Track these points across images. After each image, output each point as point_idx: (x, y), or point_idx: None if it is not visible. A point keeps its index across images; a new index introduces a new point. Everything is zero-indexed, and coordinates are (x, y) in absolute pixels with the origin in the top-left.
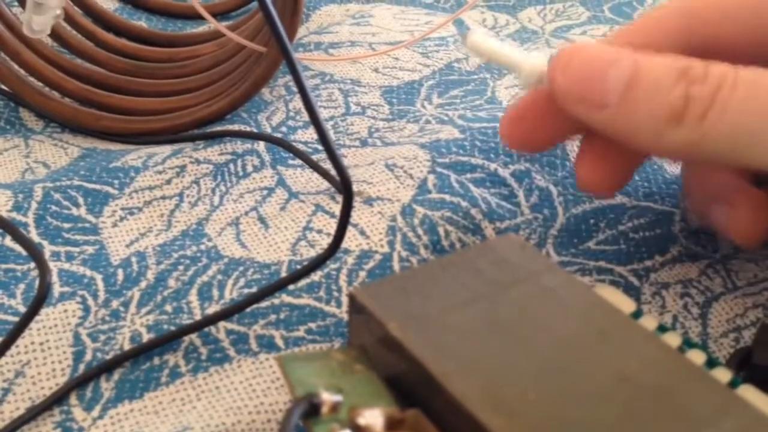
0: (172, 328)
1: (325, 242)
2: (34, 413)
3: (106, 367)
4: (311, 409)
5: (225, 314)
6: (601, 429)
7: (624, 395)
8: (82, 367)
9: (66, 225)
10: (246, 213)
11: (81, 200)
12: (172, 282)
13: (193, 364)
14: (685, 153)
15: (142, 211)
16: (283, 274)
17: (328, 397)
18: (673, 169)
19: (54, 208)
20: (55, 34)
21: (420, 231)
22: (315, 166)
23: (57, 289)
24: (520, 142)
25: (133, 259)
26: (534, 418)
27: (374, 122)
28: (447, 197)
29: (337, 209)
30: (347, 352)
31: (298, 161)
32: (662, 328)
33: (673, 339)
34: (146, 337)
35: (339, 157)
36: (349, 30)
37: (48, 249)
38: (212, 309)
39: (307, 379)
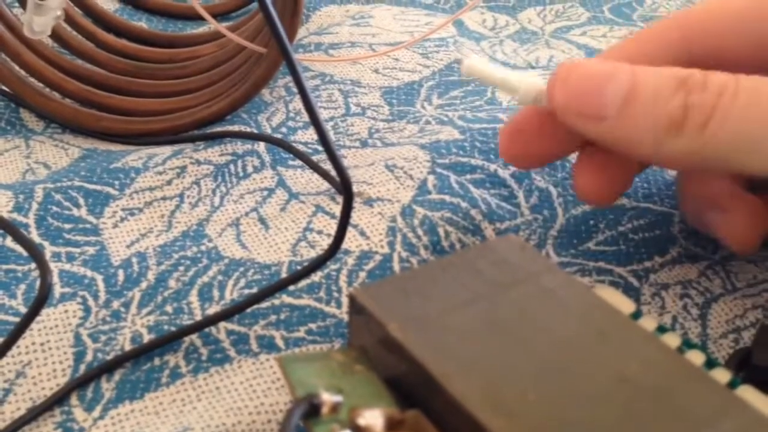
0: (173, 328)
1: (325, 243)
2: (34, 413)
3: (107, 368)
4: (311, 409)
5: (225, 315)
6: (600, 429)
7: (623, 396)
8: (82, 368)
9: (67, 226)
10: (246, 214)
11: (82, 201)
12: (172, 282)
13: (193, 365)
14: (686, 161)
15: (143, 212)
16: (284, 275)
17: (328, 398)
18: (673, 171)
19: (55, 208)
20: (55, 35)
21: (420, 232)
22: (315, 167)
23: (58, 289)
24: (519, 157)
25: (134, 260)
26: (534, 419)
27: (374, 123)
28: (447, 198)
29: (337, 210)
30: (347, 352)
31: (298, 162)
32: (662, 329)
33: (672, 340)
34: (147, 337)
35: (339, 157)
36: (349, 31)
37: (49, 250)
38: (213, 309)
39: (307, 380)
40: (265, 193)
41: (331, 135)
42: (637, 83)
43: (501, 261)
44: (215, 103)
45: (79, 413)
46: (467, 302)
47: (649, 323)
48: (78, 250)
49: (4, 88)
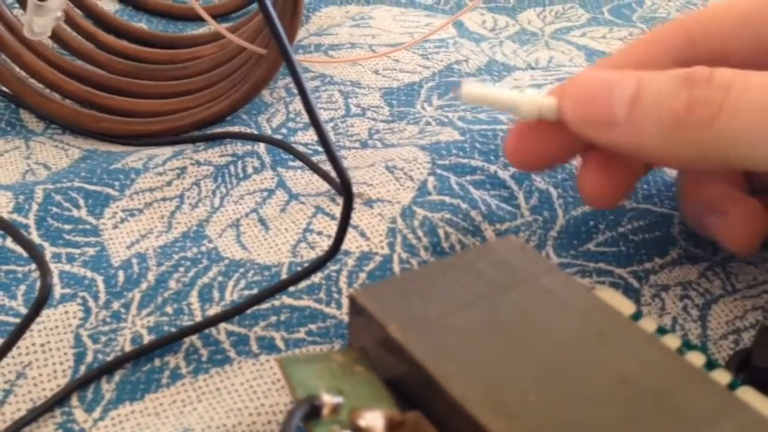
0: (173, 329)
1: (325, 244)
2: (35, 414)
3: (107, 369)
4: (312, 411)
5: (225, 316)
6: (600, 430)
7: (624, 397)
8: (83, 369)
9: (67, 226)
10: (246, 214)
11: (82, 202)
12: (172, 283)
13: (193, 366)
14: (696, 159)
15: (143, 213)
16: (284, 276)
17: (328, 399)
18: (673, 171)
19: (55, 209)
20: (55, 36)
21: (420, 233)
22: (315, 168)
23: (58, 290)
24: (525, 160)
25: (134, 261)
26: (534, 420)
27: (374, 124)
28: (447, 199)
29: (337, 211)
30: (347, 353)
31: (298, 163)
32: (662, 330)
33: (672, 341)
34: (147, 338)
35: (339, 158)
36: (349, 32)
37: (49, 250)
38: (213, 310)
39: (307, 381)
40: (265, 194)
41: (331, 136)
42: (642, 86)
43: (501, 262)
44: (215, 104)
45: (79, 414)
46: (467, 303)
47: (649, 324)
48: (78, 250)
49: (4, 89)
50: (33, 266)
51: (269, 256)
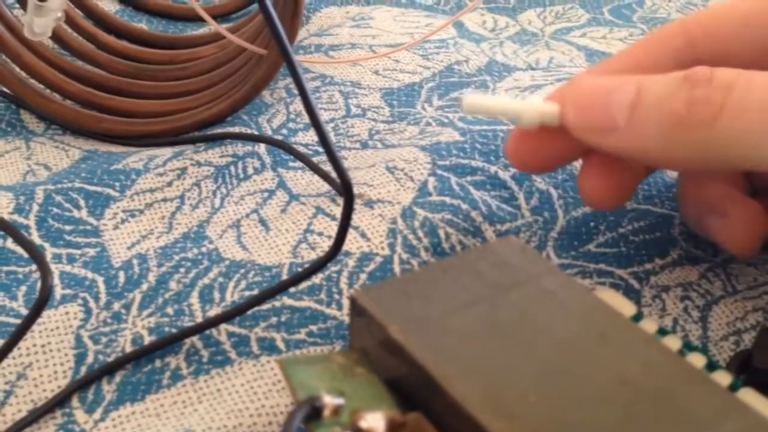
0: (174, 330)
1: (325, 245)
2: (36, 415)
3: (108, 370)
4: (313, 412)
5: (226, 317)
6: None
7: (624, 398)
8: (83, 370)
9: (67, 227)
10: (247, 215)
11: (82, 202)
12: (173, 284)
13: (194, 367)
14: (699, 161)
15: (144, 214)
16: (284, 277)
17: (329, 401)
18: (673, 172)
19: (55, 210)
20: (56, 37)
21: (420, 233)
22: (315, 169)
23: (58, 291)
24: (527, 162)
25: (135, 262)
26: (534, 421)
27: (374, 124)
28: (447, 200)
29: (337, 211)
30: (348, 355)
31: (298, 163)
32: (662, 331)
33: (673, 342)
34: (148, 339)
35: (339, 159)
36: (350, 32)
37: (49, 251)
38: (213, 311)
39: (308, 383)
40: (266, 194)
41: (332, 136)
42: (642, 89)
43: (501, 263)
44: (216, 104)
45: (80, 415)
46: (468, 304)
47: (649, 326)
48: (79, 251)
49: (4, 89)
50: (34, 267)
51: (270, 257)
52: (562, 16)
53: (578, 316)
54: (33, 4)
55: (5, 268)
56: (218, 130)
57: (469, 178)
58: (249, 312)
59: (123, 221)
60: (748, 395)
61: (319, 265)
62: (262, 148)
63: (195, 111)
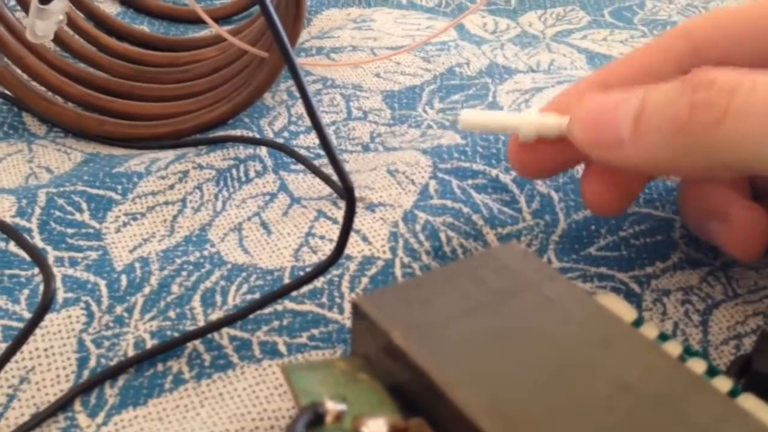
0: (176, 334)
1: (327, 248)
2: (38, 419)
3: (110, 374)
4: (316, 418)
5: (228, 320)
6: None
7: (625, 404)
8: (86, 373)
9: (69, 230)
10: (248, 218)
11: (84, 205)
12: (175, 288)
13: (196, 371)
14: (704, 167)
15: (146, 217)
16: (286, 281)
17: (332, 407)
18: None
19: (57, 213)
20: (57, 39)
21: (422, 237)
22: (317, 172)
23: (61, 294)
24: (530, 168)
25: (137, 265)
26: (536, 427)
27: (376, 127)
28: (449, 203)
29: (339, 215)
30: (351, 361)
31: (300, 166)
32: (663, 337)
33: (674, 348)
34: (150, 343)
35: (341, 162)
36: (351, 34)
37: (52, 255)
38: (215, 315)
39: (311, 388)
40: (267, 197)
41: (333, 139)
42: (645, 100)
43: (503, 269)
44: (217, 107)
45: (82, 419)
46: (470, 310)
47: (650, 331)
48: (81, 255)
49: (6, 92)
50: (36, 270)
51: (271, 261)
52: (563, 18)
53: (579, 322)
54: (35, 7)
55: (8, 272)
56: (220, 133)
57: (470, 182)
58: (251, 316)
59: (125, 224)
60: (748, 401)
61: (321, 269)
62: (263, 151)
63: (197, 114)
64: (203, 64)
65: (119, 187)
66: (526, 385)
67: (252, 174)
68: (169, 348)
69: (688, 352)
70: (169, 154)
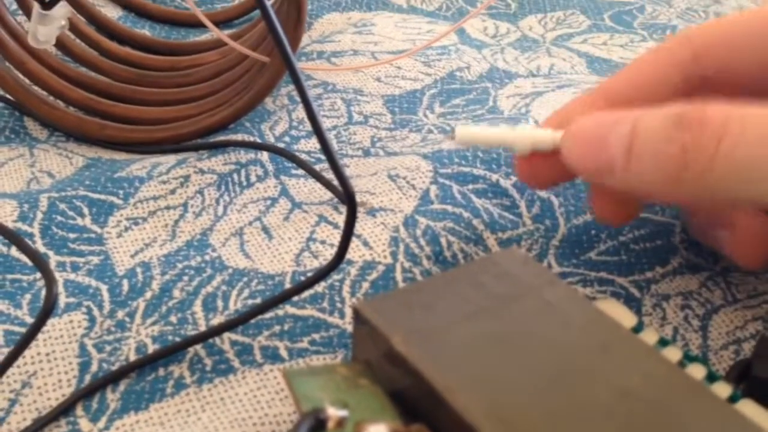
0: (177, 339)
1: (328, 253)
2: (40, 424)
3: (112, 378)
4: (317, 424)
5: (229, 325)
6: None
7: (625, 410)
8: (88, 378)
9: (71, 235)
10: (250, 223)
11: (86, 210)
12: (176, 292)
13: (197, 376)
14: (705, 200)
15: (147, 222)
16: (287, 285)
17: (334, 412)
18: None
19: (59, 218)
20: (59, 43)
21: (422, 242)
22: (318, 177)
23: (63, 299)
24: (536, 178)
25: (138, 270)
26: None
27: (377, 131)
28: (449, 208)
29: (340, 219)
30: (352, 366)
31: (301, 171)
32: (663, 342)
33: (673, 353)
34: (151, 347)
35: (342, 167)
36: (351, 39)
37: (53, 259)
38: (217, 320)
39: (313, 394)
40: (269, 202)
41: (334, 144)
42: (636, 128)
43: (503, 274)
44: (218, 111)
45: (84, 424)
46: (470, 315)
47: (650, 337)
48: (82, 259)
49: (8, 96)
50: (38, 275)
51: (273, 265)
52: (563, 22)
53: (579, 327)
54: (37, 12)
55: (10, 276)
56: (221, 138)
57: (470, 186)
58: (252, 321)
59: (126, 229)
60: (747, 407)
61: (322, 274)
62: (264, 155)
63: (198, 118)
64: (204, 68)
65: (121, 191)
66: (527, 390)
67: (253, 179)
68: (170, 353)
69: (688, 357)
70: (171, 159)
